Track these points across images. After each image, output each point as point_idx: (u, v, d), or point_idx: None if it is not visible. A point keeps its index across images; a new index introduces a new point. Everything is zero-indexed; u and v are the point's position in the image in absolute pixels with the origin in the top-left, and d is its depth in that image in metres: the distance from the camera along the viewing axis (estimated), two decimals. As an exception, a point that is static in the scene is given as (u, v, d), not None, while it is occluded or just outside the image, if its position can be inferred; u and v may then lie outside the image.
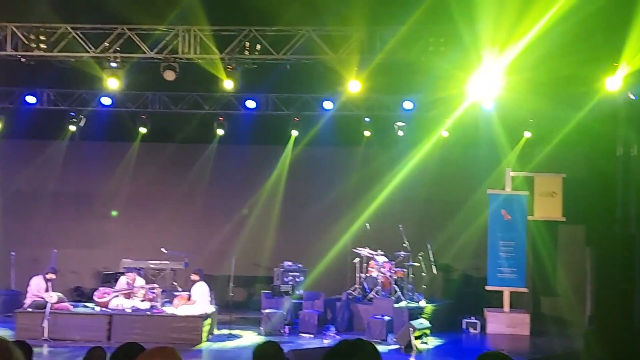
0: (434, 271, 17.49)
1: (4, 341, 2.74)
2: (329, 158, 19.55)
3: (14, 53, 14.07)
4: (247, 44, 14.03)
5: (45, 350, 13.43)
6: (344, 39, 13.62)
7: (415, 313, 15.90)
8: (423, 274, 17.39)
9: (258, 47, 14.04)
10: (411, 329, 14.32)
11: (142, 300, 15.18)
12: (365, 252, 17.08)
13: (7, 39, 13.95)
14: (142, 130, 19.04)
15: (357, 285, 17.12)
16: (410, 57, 13.57)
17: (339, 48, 13.68)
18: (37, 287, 14.95)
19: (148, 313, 14.87)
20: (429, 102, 17.43)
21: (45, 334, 14.09)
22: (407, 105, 17.49)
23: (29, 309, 14.72)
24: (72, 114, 18.71)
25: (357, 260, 17.17)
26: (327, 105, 17.69)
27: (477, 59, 12.85)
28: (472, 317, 16.83)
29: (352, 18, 13.16)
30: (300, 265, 17.72)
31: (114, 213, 19.77)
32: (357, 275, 17.16)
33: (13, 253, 17.64)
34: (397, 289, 16.66)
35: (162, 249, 17.25)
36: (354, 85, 14.18)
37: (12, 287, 17.71)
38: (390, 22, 13.47)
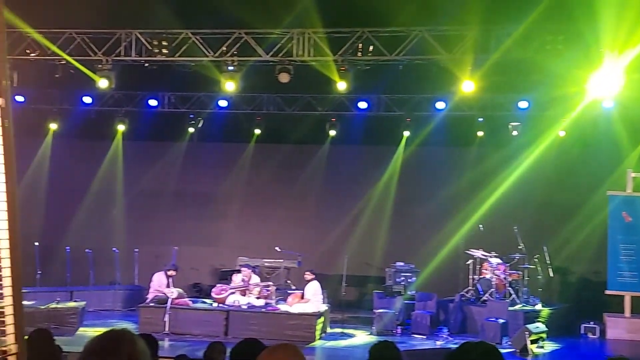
0: (550, 274, 17.05)
1: (128, 332, 2.90)
2: (440, 158, 19.39)
3: (138, 58, 14.76)
4: (360, 45, 14.16)
5: (166, 343, 13.91)
6: (458, 38, 13.55)
7: (531, 316, 15.54)
8: (539, 276, 16.98)
9: (371, 48, 14.15)
10: (527, 333, 14.04)
11: (257, 298, 15.52)
12: (478, 253, 16.85)
13: (132, 45, 14.64)
14: (257, 131, 19.54)
15: (470, 287, 16.91)
16: (526, 56, 13.34)
17: (453, 48, 13.61)
18: (159, 283, 15.53)
19: (263, 310, 15.19)
20: (545, 101, 17.04)
21: (167, 328, 14.66)
22: (522, 104, 17.18)
23: (151, 304, 15.33)
24: (191, 116, 19.43)
25: (470, 261, 16.97)
26: (440, 105, 17.60)
27: (597, 57, 12.47)
28: (591, 322, 16.28)
29: (467, 17, 13.04)
30: (412, 266, 17.68)
31: None
32: (470, 277, 16.96)
33: (136, 250, 18.40)
34: (511, 291, 16.35)
35: (277, 248, 17.58)
36: (467, 85, 14.06)
37: (136, 283, 18.47)
38: (506, 21, 13.28)
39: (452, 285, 17.15)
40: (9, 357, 3.21)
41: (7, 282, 3.29)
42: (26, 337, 3.49)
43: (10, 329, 3.25)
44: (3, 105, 3.35)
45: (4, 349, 3.20)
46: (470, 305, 16.42)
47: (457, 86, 14.46)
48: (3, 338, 3.24)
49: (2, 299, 3.28)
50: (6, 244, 3.32)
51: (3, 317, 3.26)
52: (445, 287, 17.19)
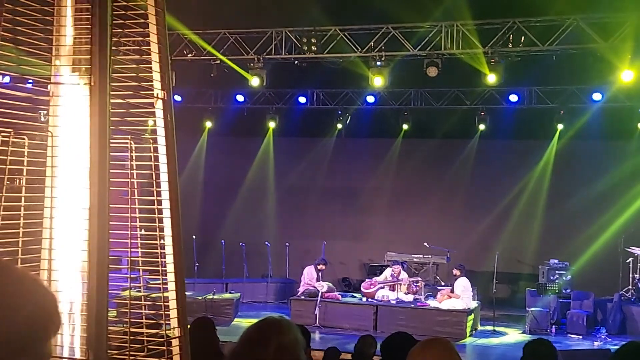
0: None
1: (279, 322, 3.01)
2: (596, 152, 18.51)
3: (289, 56, 15.08)
4: (511, 36, 13.80)
5: (317, 336, 14.16)
6: (617, 25, 12.90)
7: (699, 319, 14.59)
8: None
9: (522, 38, 13.76)
10: (694, 336, 13.20)
11: (406, 293, 15.50)
12: (639, 251, 15.99)
13: (282, 43, 14.98)
14: (405, 126, 19.48)
15: (630, 287, 16.09)
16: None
17: (611, 36, 12.98)
18: (309, 277, 15.84)
19: (412, 305, 15.14)
20: None
21: (317, 321, 14.92)
22: (688, 93, 16.13)
23: (302, 297, 15.66)
24: (339, 112, 19.66)
25: (630, 259, 16.14)
26: (596, 96, 16.87)
27: None
28: None
29: (626, 3, 12.39)
30: (566, 263, 17.01)
31: None
32: (631, 275, 16.13)
33: (287, 244, 18.84)
34: (676, 292, 15.42)
35: (425, 244, 17.46)
36: (627, 75, 13.38)
37: (287, 276, 18.90)
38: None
39: (611, 284, 16.36)
40: (172, 341, 3.40)
41: (171, 270, 3.48)
42: (188, 325, 3.69)
43: (173, 314, 3.44)
44: (165, 98, 3.52)
45: (168, 332, 3.39)
46: (630, 305, 15.63)
47: (616, 76, 13.81)
48: (167, 323, 3.44)
49: (166, 287, 3.47)
50: (170, 237, 3.50)
51: (167, 303, 3.46)
52: (603, 286, 16.42)
